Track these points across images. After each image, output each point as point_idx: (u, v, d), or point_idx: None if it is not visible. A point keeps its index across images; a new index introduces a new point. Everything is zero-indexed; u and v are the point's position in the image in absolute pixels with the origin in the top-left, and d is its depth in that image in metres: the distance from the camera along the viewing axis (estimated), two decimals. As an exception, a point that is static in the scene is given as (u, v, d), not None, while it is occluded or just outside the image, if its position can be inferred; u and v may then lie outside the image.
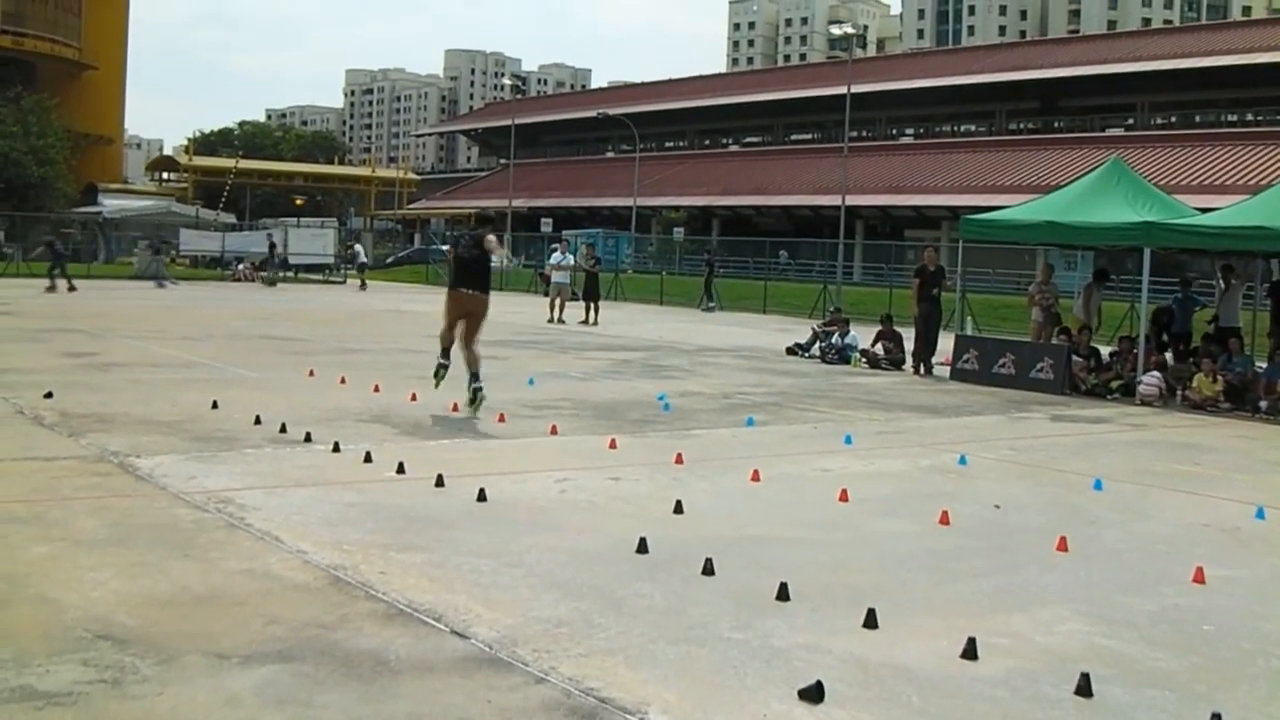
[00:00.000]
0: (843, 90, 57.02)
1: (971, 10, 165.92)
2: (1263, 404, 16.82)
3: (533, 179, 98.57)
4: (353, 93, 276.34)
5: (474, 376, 13.32)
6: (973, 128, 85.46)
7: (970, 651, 5.59)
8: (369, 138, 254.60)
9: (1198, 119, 72.96)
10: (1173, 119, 74.31)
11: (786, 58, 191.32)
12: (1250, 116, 69.86)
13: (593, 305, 32.19)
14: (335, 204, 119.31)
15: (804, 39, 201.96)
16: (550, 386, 16.15)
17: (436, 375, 13.75)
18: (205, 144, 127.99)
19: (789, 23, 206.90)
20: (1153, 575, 7.45)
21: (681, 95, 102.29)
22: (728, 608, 6.20)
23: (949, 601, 6.62)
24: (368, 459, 9.85)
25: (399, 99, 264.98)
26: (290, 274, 57.39)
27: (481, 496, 8.48)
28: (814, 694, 4.95)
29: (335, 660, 5.17)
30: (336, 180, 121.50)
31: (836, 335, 23.01)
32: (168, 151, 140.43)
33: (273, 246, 54.36)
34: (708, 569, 6.82)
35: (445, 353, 13.74)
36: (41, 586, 6.06)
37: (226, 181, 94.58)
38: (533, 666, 5.20)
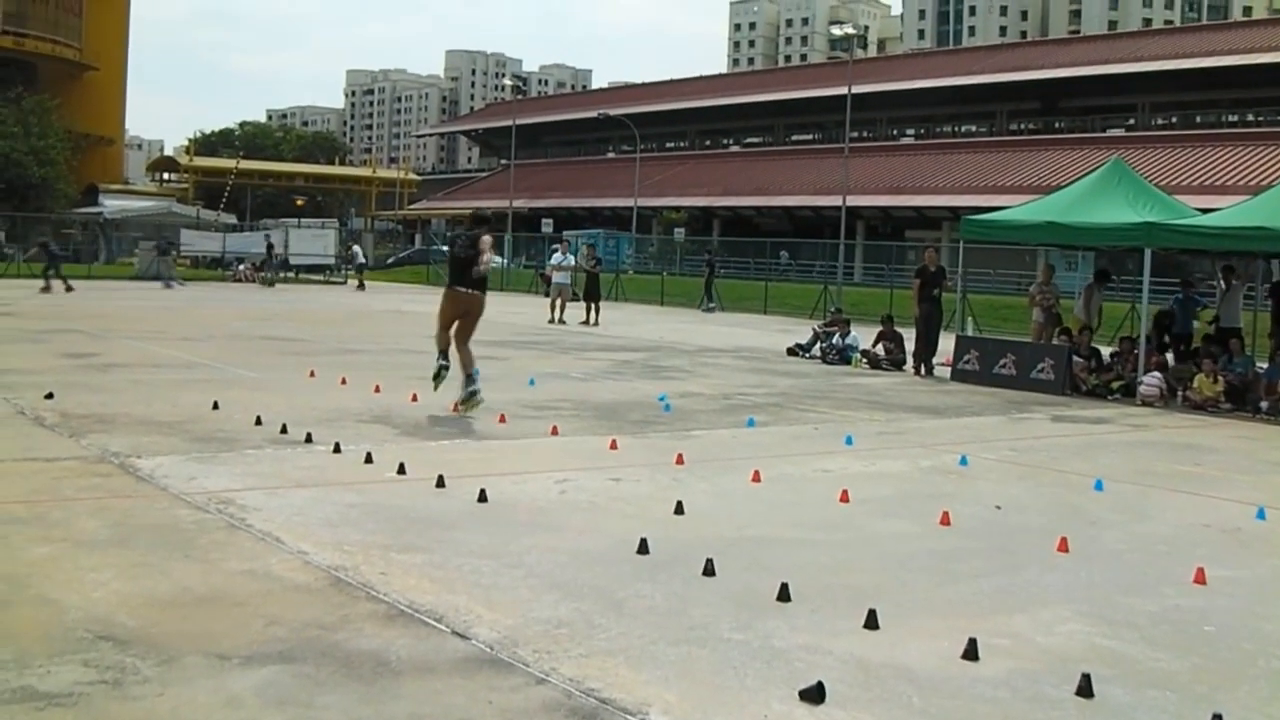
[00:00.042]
0: (843, 91, 57.01)
1: (972, 11, 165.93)
2: (1263, 404, 16.81)
3: (534, 179, 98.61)
4: (353, 93, 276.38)
5: (469, 379, 13.36)
6: (973, 128, 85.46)
7: (971, 652, 5.59)
8: (370, 138, 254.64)
9: (1199, 119, 72.97)
10: (1174, 119, 74.30)
11: (787, 58, 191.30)
12: (1251, 117, 69.86)
13: (593, 306, 32.20)
14: (336, 204, 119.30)
15: (805, 39, 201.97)
16: (551, 387, 16.16)
17: (436, 378, 13.72)
18: (206, 144, 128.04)
19: (790, 23, 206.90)
20: (1154, 576, 7.45)
21: (682, 96, 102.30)
22: (728, 608, 6.20)
23: (950, 602, 6.62)
24: (368, 460, 9.85)
25: (400, 99, 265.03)
26: (292, 274, 57.44)
27: (482, 497, 8.48)
28: (815, 695, 4.95)
29: (336, 661, 5.17)
30: (337, 181, 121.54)
31: (837, 336, 23.01)
32: (168, 152, 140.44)
33: (270, 247, 54.38)
34: (708, 570, 6.82)
35: (444, 354, 13.74)
36: (42, 587, 6.06)
37: (227, 182, 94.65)
38: (534, 667, 5.20)
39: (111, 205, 75.08)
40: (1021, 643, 5.92)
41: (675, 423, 13.31)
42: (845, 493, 9.26)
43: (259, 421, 11.55)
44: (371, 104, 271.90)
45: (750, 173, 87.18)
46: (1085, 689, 5.18)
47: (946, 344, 21.29)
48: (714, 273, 44.33)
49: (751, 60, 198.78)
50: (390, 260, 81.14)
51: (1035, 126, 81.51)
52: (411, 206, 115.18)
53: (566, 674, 5.13)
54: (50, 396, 12.58)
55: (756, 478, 9.83)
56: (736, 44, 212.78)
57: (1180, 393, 17.83)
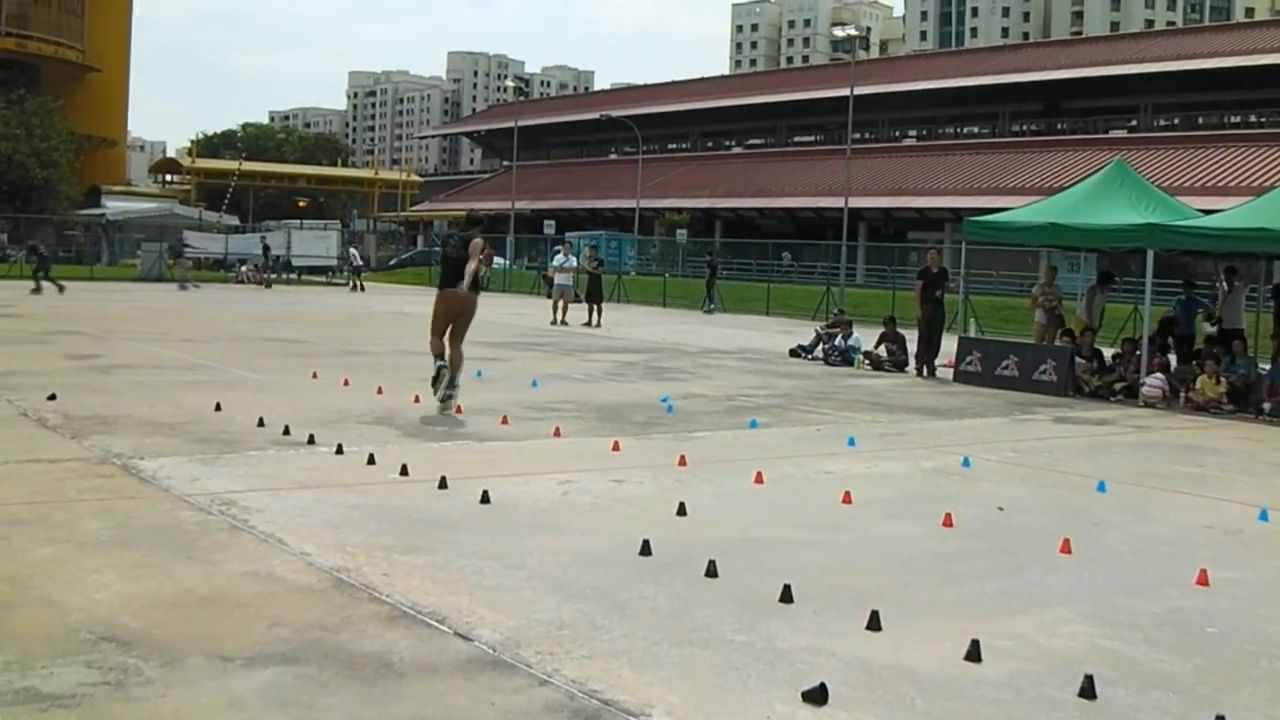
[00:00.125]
0: (846, 92, 56.98)
1: (974, 12, 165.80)
2: (1266, 406, 16.81)
3: (536, 181, 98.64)
4: (356, 94, 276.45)
5: (450, 381, 13.39)
6: (976, 129, 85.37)
7: (974, 653, 5.59)
8: (372, 140, 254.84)
9: (1201, 120, 72.91)
10: (1176, 120, 74.24)
11: (789, 60, 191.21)
12: (1254, 118, 69.77)
13: (596, 307, 32.19)
14: (338, 206, 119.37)
15: (807, 41, 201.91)
16: (553, 388, 16.16)
17: (436, 381, 13.67)
18: (208, 146, 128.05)
19: (792, 24, 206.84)
20: (1156, 577, 7.44)
21: (684, 97, 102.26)
22: (731, 610, 6.20)
23: (952, 603, 6.62)
24: (371, 461, 9.85)
25: (402, 101, 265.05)
26: (294, 276, 57.50)
27: (485, 498, 8.49)
28: (817, 696, 4.95)
29: (339, 662, 5.17)
30: (340, 182, 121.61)
31: (839, 337, 23.01)
32: (171, 153, 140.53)
33: (267, 249, 54.36)
34: (711, 571, 6.82)
35: (440, 356, 13.73)
36: (45, 588, 6.06)
37: (230, 183, 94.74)
38: (536, 669, 5.20)
39: (114, 207, 75.19)
40: (1024, 644, 5.92)
41: (678, 424, 13.31)
42: (848, 494, 9.26)
43: (261, 423, 11.55)
44: (374, 105, 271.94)
45: (752, 174, 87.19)
46: (1088, 690, 5.18)
47: (949, 345, 21.29)
48: (715, 274, 44.35)
49: (754, 62, 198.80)
50: (393, 262, 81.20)
51: (1037, 128, 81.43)
52: (414, 208, 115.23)
53: (569, 675, 5.13)
54: (53, 398, 12.59)
55: (759, 479, 9.83)
56: (739, 45, 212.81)
57: (1183, 394, 17.83)
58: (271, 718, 4.57)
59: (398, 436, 11.54)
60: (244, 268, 54.57)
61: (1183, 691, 5.37)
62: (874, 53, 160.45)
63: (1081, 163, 61.86)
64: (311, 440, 10.75)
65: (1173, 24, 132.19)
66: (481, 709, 4.74)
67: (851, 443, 12.37)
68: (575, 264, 35.16)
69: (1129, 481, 10.88)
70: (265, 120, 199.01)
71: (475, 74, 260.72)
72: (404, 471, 9.39)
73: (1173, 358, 19.68)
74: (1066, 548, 7.87)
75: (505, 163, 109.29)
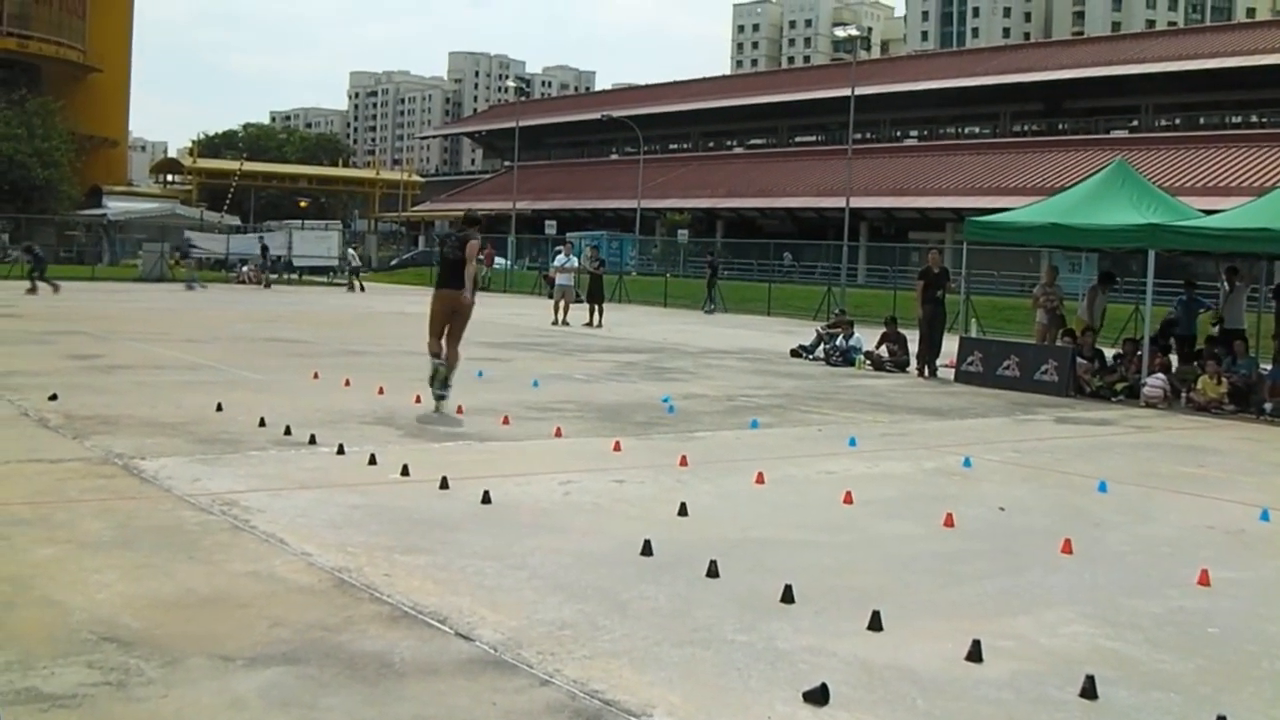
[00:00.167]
0: (847, 92, 56.96)
1: (975, 12, 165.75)
2: (1267, 406, 16.81)
3: (537, 181, 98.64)
4: (357, 95, 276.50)
5: (444, 381, 13.42)
6: (977, 130, 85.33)
7: (975, 654, 5.59)
8: (373, 140, 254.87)
9: (1202, 121, 72.87)
10: (1177, 121, 74.20)
11: (790, 60, 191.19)
12: (1255, 118, 69.72)
13: (597, 307, 32.18)
14: (340, 206, 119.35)
15: (808, 41, 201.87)
16: (554, 389, 16.16)
17: (433, 379, 13.69)
18: (209, 146, 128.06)
19: (793, 25, 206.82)
20: (1157, 577, 7.44)
21: (686, 97, 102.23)
22: (732, 610, 6.20)
23: (953, 604, 6.62)
24: (372, 461, 9.86)
25: (403, 101, 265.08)
26: (295, 276, 57.51)
27: (486, 499, 8.49)
28: (819, 696, 4.95)
29: (340, 663, 5.17)
30: (341, 182, 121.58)
31: (841, 337, 23.02)
32: (172, 154, 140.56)
33: (265, 249, 54.36)
34: (712, 571, 6.82)
35: (438, 354, 13.74)
36: (46, 588, 6.06)
37: (231, 184, 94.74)
38: (537, 669, 5.20)
39: (115, 207, 75.21)
40: (1025, 644, 5.92)
41: (679, 424, 13.31)
42: (849, 494, 9.26)
43: (263, 423, 11.55)
44: (375, 106, 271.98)
45: (753, 174, 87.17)
46: (1089, 690, 5.18)
47: (950, 345, 21.30)
48: (716, 274, 44.36)
49: (755, 62, 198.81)
50: (394, 262, 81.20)
51: (1039, 128, 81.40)
52: (415, 208, 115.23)
53: (570, 675, 5.13)
54: (54, 398, 12.59)
55: (760, 479, 9.83)
56: (740, 45, 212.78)
57: (1184, 394, 17.83)
58: (273, 718, 4.57)
59: (399, 437, 11.54)
60: (245, 268, 54.60)
61: (1184, 692, 5.37)
62: (875, 53, 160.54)
63: (1083, 163, 61.84)
64: (313, 440, 10.76)
65: (1174, 24, 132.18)
66: (483, 709, 4.74)
67: (853, 443, 12.37)
68: (576, 264, 35.16)
69: (1130, 482, 10.88)
70: (266, 120, 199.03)
71: (476, 74, 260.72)
72: (405, 472, 9.39)
73: (1174, 358, 19.68)
74: (1068, 548, 7.87)
75: (506, 163, 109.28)
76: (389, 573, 6.62)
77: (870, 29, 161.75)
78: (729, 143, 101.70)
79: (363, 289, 50.59)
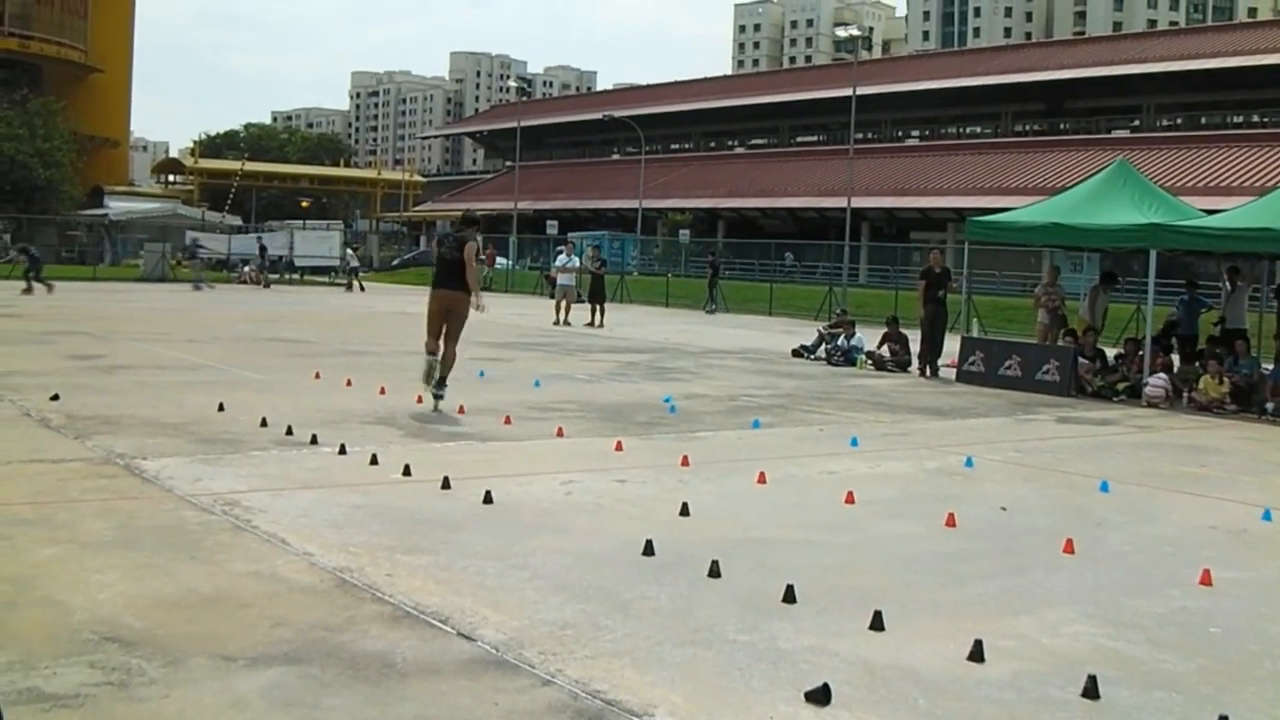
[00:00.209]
0: (848, 92, 56.95)
1: (977, 12, 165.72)
2: (1269, 406, 16.80)
3: (538, 181, 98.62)
4: (358, 95, 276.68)
5: (440, 381, 13.44)
6: (978, 129, 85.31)
7: (977, 654, 5.59)
8: (375, 140, 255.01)
9: (1204, 120, 72.83)
10: (1178, 120, 74.18)
11: (792, 60, 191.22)
12: (1256, 118, 69.68)
13: (598, 307, 32.17)
14: (341, 206, 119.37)
15: (809, 41, 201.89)
16: (556, 389, 16.16)
17: (427, 376, 13.71)
18: (211, 146, 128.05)
19: (794, 25, 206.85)
20: (1159, 577, 7.44)
21: (687, 97, 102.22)
22: (734, 610, 6.20)
23: (955, 603, 6.62)
24: (374, 461, 9.86)
25: (404, 101, 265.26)
26: (297, 276, 57.50)
27: (487, 499, 8.49)
28: (820, 696, 4.95)
29: (342, 662, 5.17)
30: (342, 182, 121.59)
31: (842, 337, 23.01)
32: (173, 154, 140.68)
33: (263, 249, 54.35)
34: (714, 571, 6.82)
35: (434, 352, 13.77)
36: (48, 588, 6.07)
37: (232, 184, 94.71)
38: (539, 669, 5.20)
39: (117, 207, 75.22)
40: (1027, 644, 5.92)
41: (680, 424, 13.31)
42: (850, 494, 9.26)
43: (264, 423, 11.56)
44: (376, 106, 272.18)
45: (755, 174, 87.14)
46: (1091, 690, 5.18)
47: (952, 345, 21.30)
48: (717, 274, 44.35)
49: (756, 62, 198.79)
50: (395, 262, 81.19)
51: (1040, 128, 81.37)
52: (416, 208, 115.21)
53: (572, 675, 5.13)
54: (56, 398, 12.60)
55: (762, 479, 9.83)
56: (741, 45, 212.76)
57: (1185, 394, 17.82)
58: (275, 718, 4.58)
59: (400, 437, 11.55)
60: (246, 268, 54.63)
61: (1186, 691, 5.37)
62: (876, 53, 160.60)
63: (1084, 163, 61.81)
64: (314, 440, 10.76)
65: (1175, 24, 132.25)
66: (485, 709, 4.74)
67: (854, 443, 12.36)
68: (578, 264, 35.16)
69: (1132, 481, 10.88)
70: (268, 120, 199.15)
71: (478, 74, 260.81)
72: (407, 472, 9.39)
73: (1175, 358, 19.67)
74: (1069, 548, 7.86)
75: (508, 163, 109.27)
76: (391, 573, 6.62)
77: (871, 29, 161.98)
78: (730, 143, 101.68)
79: (362, 289, 50.60)
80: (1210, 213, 20.77)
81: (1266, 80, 66.31)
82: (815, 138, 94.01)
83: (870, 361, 21.99)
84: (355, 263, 54.68)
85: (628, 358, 21.91)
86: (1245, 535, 8.81)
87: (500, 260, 62.63)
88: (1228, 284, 20.57)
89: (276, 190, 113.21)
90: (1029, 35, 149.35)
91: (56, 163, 72.06)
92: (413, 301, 39.67)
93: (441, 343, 13.69)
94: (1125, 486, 10.50)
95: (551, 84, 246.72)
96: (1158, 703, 5.20)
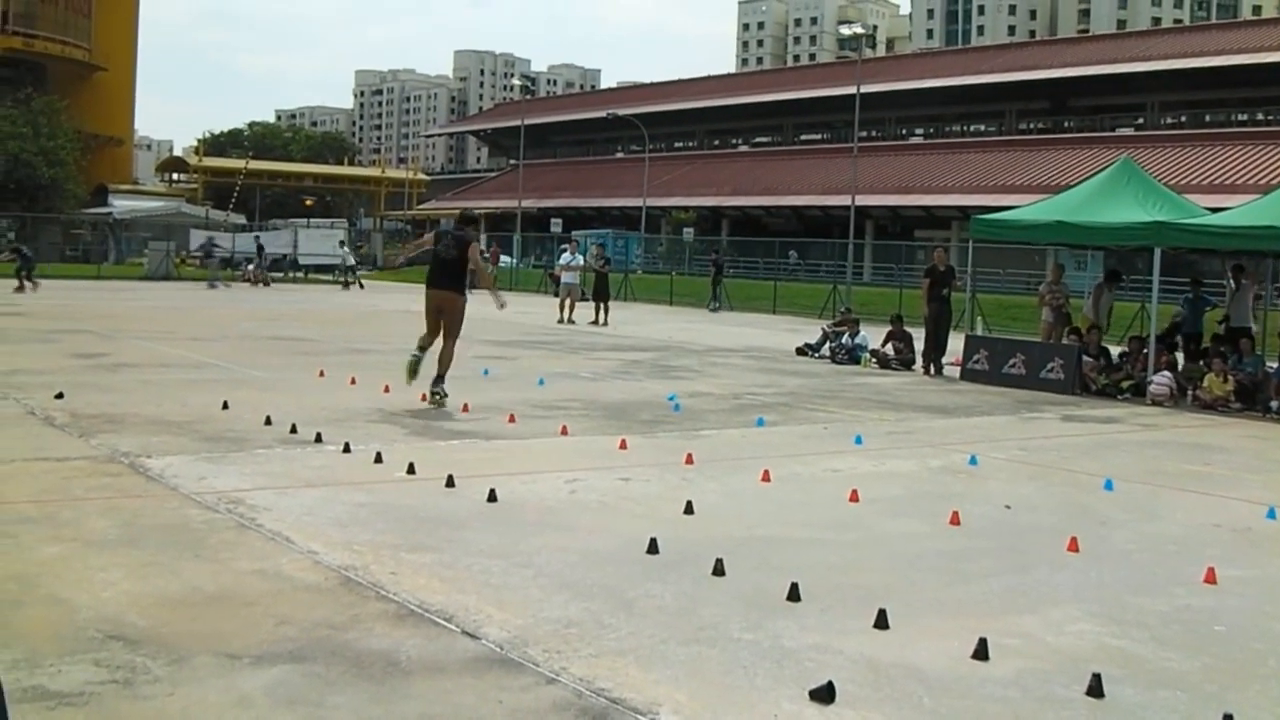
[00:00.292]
0: (852, 90, 56.95)
1: (981, 10, 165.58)
2: (1273, 404, 16.78)
3: (542, 179, 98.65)
4: (362, 93, 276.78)
5: (438, 378, 13.45)
6: (982, 127, 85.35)
7: (981, 652, 5.59)
8: (379, 138, 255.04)
9: (1208, 118, 72.82)
10: (1183, 118, 74.17)
11: (796, 58, 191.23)
12: (1261, 116, 69.64)
13: (602, 305, 32.18)
14: (345, 205, 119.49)
15: (813, 39, 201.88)
16: (560, 387, 16.16)
17: (410, 370, 13.72)
18: (215, 145, 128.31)
19: (798, 23, 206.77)
20: (1164, 576, 7.43)
21: (691, 95, 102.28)
22: (738, 608, 6.20)
23: (960, 602, 6.61)
24: (378, 459, 9.86)
25: (408, 100, 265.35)
26: (300, 274, 57.49)
27: (492, 497, 8.49)
28: (825, 694, 4.95)
29: (346, 661, 5.17)
30: (346, 181, 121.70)
31: (846, 335, 22.99)
32: (178, 152, 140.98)
33: (261, 249, 54.35)
34: (718, 569, 6.82)
35: (423, 347, 13.81)
36: (53, 587, 6.07)
37: (236, 182, 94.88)
38: (544, 667, 5.20)
39: (121, 206, 75.26)
40: (1032, 642, 5.91)
41: (685, 422, 13.30)
42: (855, 492, 9.25)
43: (269, 421, 11.56)
44: (380, 104, 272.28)
45: (759, 172, 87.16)
46: (1095, 689, 5.17)
47: (956, 343, 21.29)
48: (720, 273, 44.35)
49: (760, 60, 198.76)
50: (400, 260, 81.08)
51: (1044, 126, 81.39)
52: (420, 206, 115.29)
53: (576, 674, 5.13)
54: (60, 396, 12.61)
55: (766, 477, 9.83)
56: (745, 44, 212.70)
57: (1190, 392, 17.80)
58: (279, 716, 4.58)
59: (405, 435, 11.55)
60: (249, 266, 54.66)
61: (1190, 690, 5.36)
62: (880, 51, 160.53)
63: (1088, 161, 61.79)
64: (319, 439, 10.76)
65: (1179, 22, 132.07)
66: (489, 707, 4.74)
67: (859, 441, 12.36)
68: (582, 262, 35.15)
69: (1136, 480, 10.87)
70: (272, 119, 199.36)
71: (481, 72, 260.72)
72: (411, 470, 9.39)
73: (1180, 356, 19.65)
74: (1074, 546, 7.86)
75: (512, 161, 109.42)
76: (395, 571, 6.63)
77: (875, 27, 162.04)
78: (734, 141, 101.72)
79: (361, 286, 50.62)
80: (1214, 211, 20.75)
81: (1271, 78, 66.27)
82: (819, 136, 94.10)
83: (874, 360, 21.98)
84: (352, 261, 54.66)
85: (632, 356, 21.91)
86: (1250, 533, 8.80)
87: (504, 258, 62.63)
88: (1232, 282, 20.54)
89: (280, 189, 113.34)
90: (1033, 33, 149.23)
91: (61, 161, 72.10)
92: (416, 300, 39.68)
93: (439, 340, 13.73)
94: (1130, 485, 10.49)
95: (555, 82, 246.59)
96: (1162, 701, 5.20)
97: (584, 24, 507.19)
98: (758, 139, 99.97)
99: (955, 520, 8.51)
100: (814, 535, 8.02)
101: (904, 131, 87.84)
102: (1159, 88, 73.11)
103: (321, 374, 16.10)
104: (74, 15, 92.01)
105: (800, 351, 23.63)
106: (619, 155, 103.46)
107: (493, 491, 8.56)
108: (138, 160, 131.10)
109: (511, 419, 12.60)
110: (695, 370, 19.71)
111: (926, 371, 20.87)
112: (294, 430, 11.09)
